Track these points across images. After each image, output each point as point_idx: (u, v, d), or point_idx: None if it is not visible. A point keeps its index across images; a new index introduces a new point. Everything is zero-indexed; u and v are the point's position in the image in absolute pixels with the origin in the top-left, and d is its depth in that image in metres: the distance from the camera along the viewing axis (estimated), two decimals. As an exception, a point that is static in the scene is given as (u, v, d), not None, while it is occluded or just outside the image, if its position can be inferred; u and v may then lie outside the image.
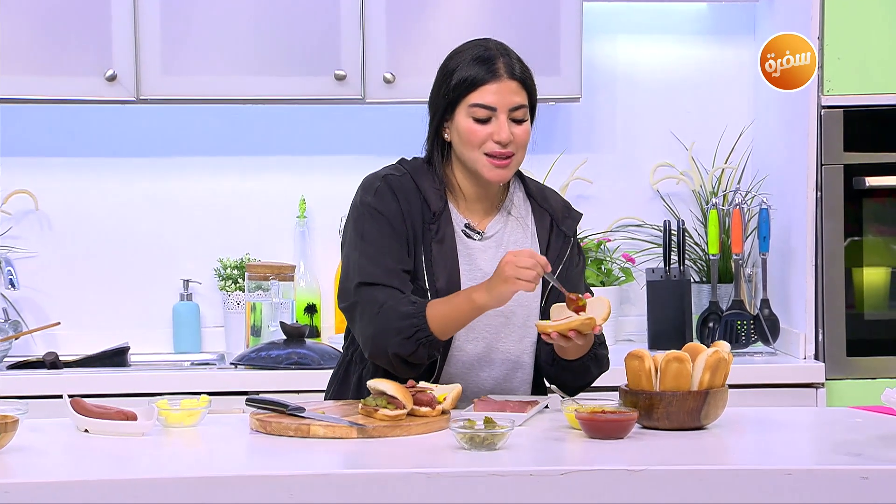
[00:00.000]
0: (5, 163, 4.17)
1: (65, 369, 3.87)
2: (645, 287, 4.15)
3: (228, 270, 4.24)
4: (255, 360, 3.84)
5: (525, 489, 2.37)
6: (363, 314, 2.86)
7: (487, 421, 2.56)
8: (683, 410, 2.68)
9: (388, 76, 3.98)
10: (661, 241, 4.21)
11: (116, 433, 2.65)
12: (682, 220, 4.20)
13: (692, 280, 4.19)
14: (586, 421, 2.63)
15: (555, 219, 3.00)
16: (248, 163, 4.30)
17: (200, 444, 2.68)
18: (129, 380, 3.76)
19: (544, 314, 2.93)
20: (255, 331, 4.07)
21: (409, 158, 3.02)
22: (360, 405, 2.75)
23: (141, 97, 3.92)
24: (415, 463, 2.50)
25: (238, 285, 4.20)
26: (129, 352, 4.04)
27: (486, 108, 2.87)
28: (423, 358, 2.85)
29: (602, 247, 4.27)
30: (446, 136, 2.95)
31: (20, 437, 2.52)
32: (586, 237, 4.27)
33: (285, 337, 3.87)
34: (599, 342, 2.93)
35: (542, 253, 2.96)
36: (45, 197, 4.20)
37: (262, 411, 2.75)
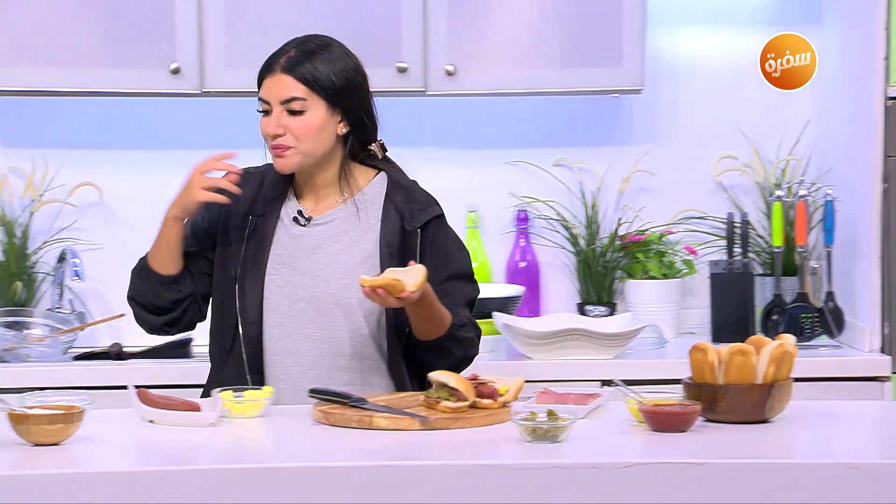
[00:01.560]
0: (71, 155, 4.21)
1: (129, 360, 3.90)
2: (708, 279, 4.12)
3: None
4: (317, 351, 3.85)
5: (588, 482, 2.37)
6: None
7: (550, 413, 2.55)
8: (747, 404, 2.67)
9: (450, 68, 3.97)
10: (723, 234, 4.19)
11: (181, 424, 2.67)
12: (746, 213, 4.17)
13: (756, 273, 4.16)
14: (649, 414, 2.62)
15: (404, 218, 3.00)
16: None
17: (264, 435, 2.69)
18: (192, 371, 3.78)
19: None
20: (317, 323, 4.08)
21: None
22: (423, 397, 2.76)
23: (204, 90, 3.95)
24: (477, 455, 2.50)
25: (300, 277, 4.21)
26: (192, 343, 4.07)
27: (263, 101, 2.96)
28: (149, 296, 2.97)
29: (664, 239, 4.25)
30: None
31: (86, 428, 2.55)
32: (648, 229, 4.25)
33: (347, 329, 3.88)
34: (461, 324, 2.95)
35: (383, 251, 2.95)
36: (109, 189, 4.24)
37: (325, 403, 2.76)
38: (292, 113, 2.93)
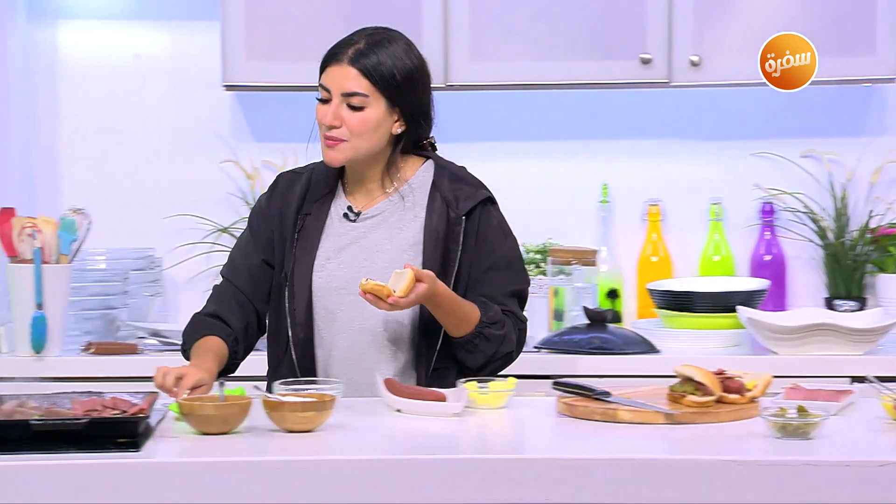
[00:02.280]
0: (319, 149, 4.29)
1: (374, 350, 3.96)
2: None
3: (531, 255, 4.27)
4: (558, 343, 3.85)
5: (840, 480, 2.30)
6: None
7: (800, 409, 2.50)
8: None
9: (695, 59, 3.92)
10: (981, 227, 4.03)
11: (427, 413, 2.70)
12: None
13: None
14: (905, 412, 2.54)
15: (449, 205, 2.94)
16: (551, 147, 4.32)
17: (508, 425, 2.71)
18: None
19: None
20: (558, 315, 4.09)
21: None
22: (668, 391, 2.73)
23: (449, 84, 3.98)
24: (724, 450, 2.46)
25: (540, 269, 4.23)
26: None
27: (324, 89, 2.90)
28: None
29: (918, 233, 4.12)
30: None
31: (337, 416, 2.60)
32: (900, 223, 4.13)
33: (588, 321, 3.87)
34: (492, 321, 2.87)
35: (427, 238, 2.91)
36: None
37: (569, 395, 2.75)
38: (351, 107, 2.88)
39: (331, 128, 2.89)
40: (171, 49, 4.30)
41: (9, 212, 3.78)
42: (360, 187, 2.98)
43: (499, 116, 4.32)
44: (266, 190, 3.08)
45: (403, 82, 2.89)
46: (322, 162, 2.98)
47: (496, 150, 4.33)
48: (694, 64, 3.92)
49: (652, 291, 3.99)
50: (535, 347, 3.91)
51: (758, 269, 4.20)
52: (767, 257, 4.20)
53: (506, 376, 2.88)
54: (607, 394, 2.72)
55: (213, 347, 2.89)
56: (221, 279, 3.03)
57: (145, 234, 4.26)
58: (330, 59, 2.91)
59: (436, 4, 3.96)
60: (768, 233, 4.21)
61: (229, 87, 4.07)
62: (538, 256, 4.25)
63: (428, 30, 3.96)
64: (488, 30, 3.96)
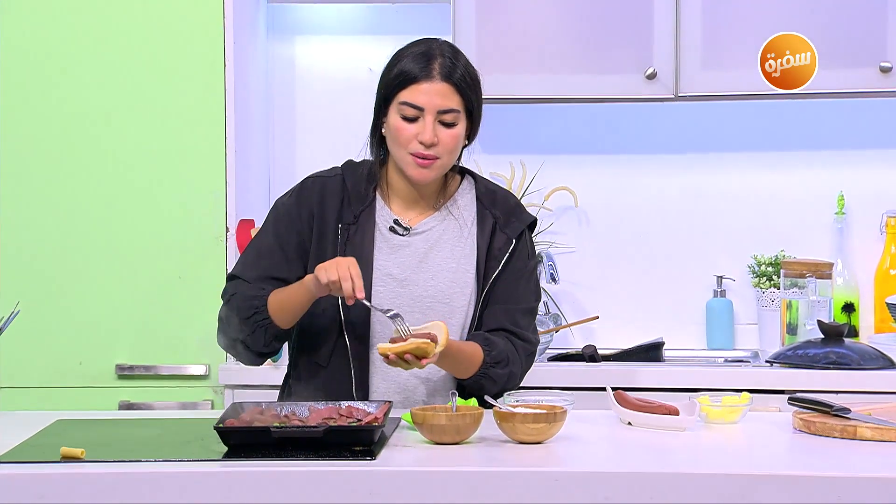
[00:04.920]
0: (548, 160, 4.31)
1: (603, 362, 3.95)
2: None
3: (763, 267, 4.19)
4: (792, 358, 3.78)
5: None
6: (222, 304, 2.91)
7: None
8: None
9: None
10: None
11: (658, 427, 2.68)
12: None
13: None
14: None
15: (497, 222, 2.91)
16: (784, 158, 4.24)
17: (742, 441, 2.66)
18: (665, 374, 3.79)
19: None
20: (791, 329, 4.01)
21: (357, 160, 2.96)
22: (910, 409, 2.65)
23: (679, 94, 3.95)
24: (972, 472, 2.38)
25: (773, 282, 4.15)
26: (664, 347, 4.08)
27: (413, 107, 2.82)
28: (260, 344, 2.85)
29: None
30: (383, 131, 2.87)
31: (568, 427, 2.60)
32: None
33: (822, 336, 3.79)
34: (495, 362, 2.84)
35: (480, 255, 2.88)
36: (584, 193, 4.31)
37: (806, 410, 2.69)
38: (443, 124, 2.83)
39: (430, 146, 2.84)
40: (403, 63, 4.36)
41: (248, 223, 3.89)
42: (407, 199, 2.94)
43: (730, 127, 4.26)
44: (287, 194, 2.97)
45: (480, 96, 2.90)
46: (351, 168, 2.95)
47: (727, 160, 4.27)
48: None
49: (891, 306, 3.88)
50: (768, 361, 3.84)
51: None
52: None
53: (739, 391, 2.84)
54: (847, 410, 2.65)
55: None
56: (238, 280, 2.91)
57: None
58: (418, 76, 2.83)
59: (668, 14, 3.93)
60: None
61: (459, 100, 4.10)
62: (770, 269, 4.17)
63: (659, 39, 3.93)
64: (720, 39, 3.91)
